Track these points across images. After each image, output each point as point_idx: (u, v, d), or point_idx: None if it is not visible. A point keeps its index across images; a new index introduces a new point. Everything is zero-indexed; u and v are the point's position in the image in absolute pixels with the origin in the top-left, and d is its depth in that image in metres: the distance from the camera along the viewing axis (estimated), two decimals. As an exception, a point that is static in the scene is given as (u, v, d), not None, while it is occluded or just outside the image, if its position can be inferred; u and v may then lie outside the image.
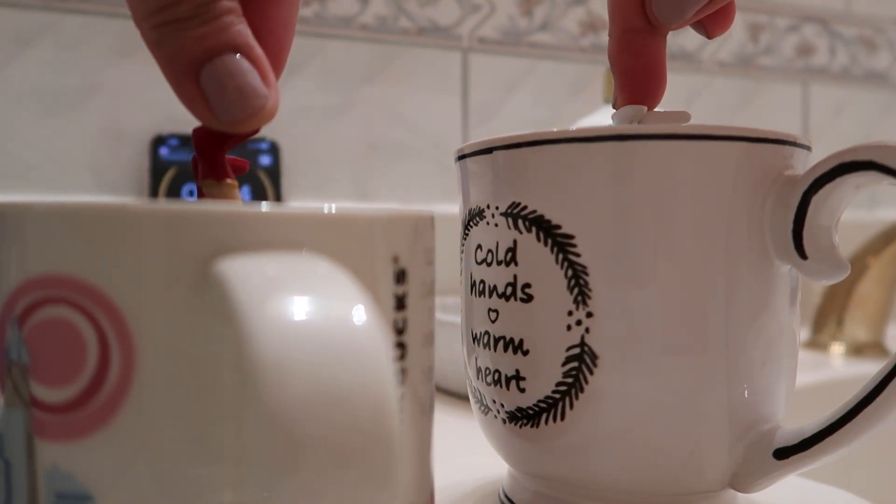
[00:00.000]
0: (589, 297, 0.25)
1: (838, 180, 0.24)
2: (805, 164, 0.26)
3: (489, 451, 0.30)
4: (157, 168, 0.71)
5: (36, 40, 0.70)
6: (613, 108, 0.29)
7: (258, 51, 0.21)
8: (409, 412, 0.20)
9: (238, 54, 0.20)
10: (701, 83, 0.99)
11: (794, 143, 0.25)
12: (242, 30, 0.21)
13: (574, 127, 0.31)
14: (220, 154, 0.23)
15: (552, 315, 0.25)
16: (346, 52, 0.80)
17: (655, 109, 0.29)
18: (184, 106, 0.21)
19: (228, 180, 0.23)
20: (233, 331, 0.14)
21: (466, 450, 0.38)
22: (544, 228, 0.25)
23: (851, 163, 0.23)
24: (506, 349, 0.26)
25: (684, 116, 0.27)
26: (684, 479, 0.25)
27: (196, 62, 0.20)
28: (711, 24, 0.29)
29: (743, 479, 0.26)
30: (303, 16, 0.78)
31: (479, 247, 0.28)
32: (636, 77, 0.29)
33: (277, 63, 0.25)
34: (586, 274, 0.25)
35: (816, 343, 0.75)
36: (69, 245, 0.16)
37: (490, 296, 0.27)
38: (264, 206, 0.17)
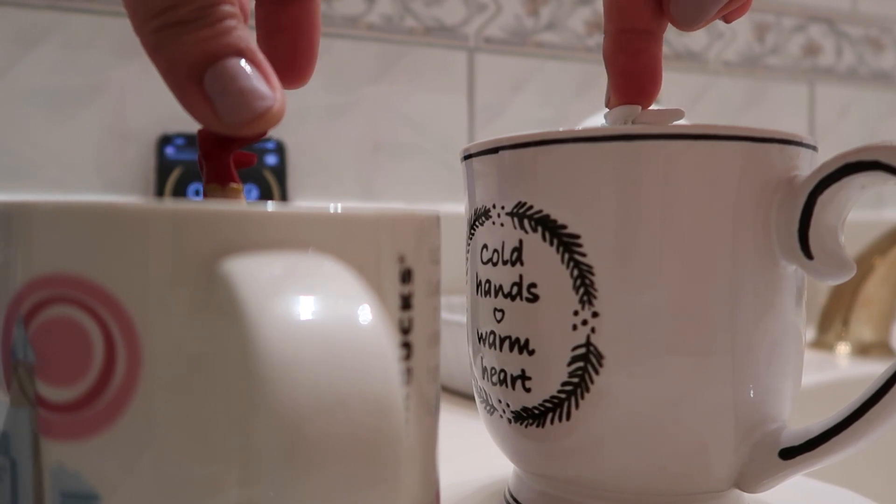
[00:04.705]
0: (594, 297, 0.24)
1: (844, 180, 0.24)
2: (811, 164, 0.26)
3: (495, 450, 0.30)
4: (163, 167, 0.71)
5: (42, 40, 0.70)
6: (607, 106, 0.29)
7: (261, 55, 0.21)
8: (415, 412, 0.20)
9: (241, 58, 0.20)
10: (707, 83, 0.98)
11: (799, 143, 0.25)
12: (244, 34, 0.21)
13: (580, 127, 0.30)
14: (224, 158, 0.23)
15: (558, 315, 0.25)
16: (353, 51, 0.81)
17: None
18: (186, 110, 0.21)
19: (233, 184, 0.23)
20: (239, 330, 0.14)
21: (472, 449, 0.38)
22: (550, 228, 0.25)
23: (857, 163, 0.23)
24: (511, 349, 0.26)
25: (678, 114, 0.27)
26: (690, 478, 0.25)
27: (200, 65, 0.20)
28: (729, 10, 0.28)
29: (749, 479, 0.26)
30: (308, 15, 0.78)
31: (485, 246, 0.28)
32: (633, 78, 0.28)
33: (311, 58, 0.28)
34: (592, 274, 0.24)
35: (822, 343, 0.75)
36: (75, 244, 0.16)
37: (496, 295, 0.27)
38: (270, 206, 0.17)
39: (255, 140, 0.22)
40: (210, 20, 0.20)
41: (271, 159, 0.74)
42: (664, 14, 0.28)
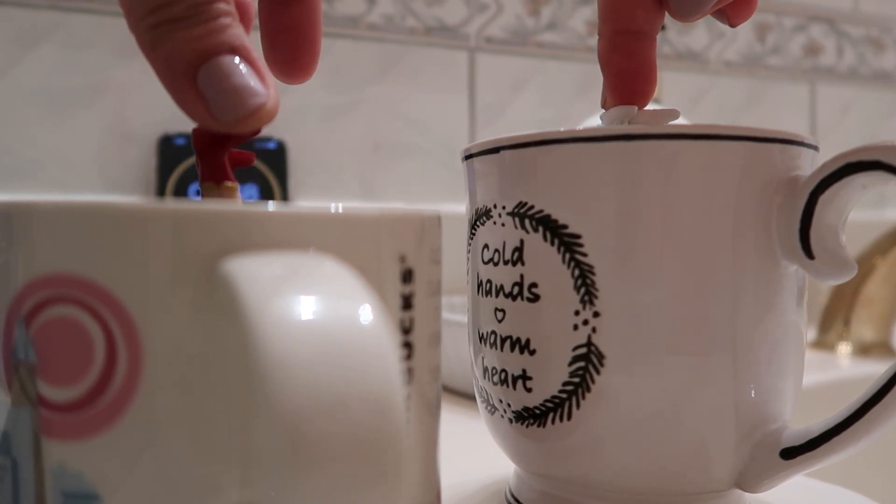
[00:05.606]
0: (595, 297, 0.24)
1: (845, 180, 0.24)
2: (812, 163, 0.26)
3: (496, 450, 0.30)
4: (164, 167, 0.71)
5: (43, 39, 0.70)
6: (603, 107, 0.29)
7: (255, 53, 0.21)
8: (416, 412, 0.20)
9: (235, 56, 0.20)
10: (708, 83, 0.98)
11: (801, 143, 0.25)
12: (238, 32, 0.21)
13: (581, 126, 0.30)
14: (219, 156, 0.23)
15: (559, 315, 0.25)
16: (354, 51, 0.81)
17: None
18: (180, 107, 0.21)
19: (228, 183, 0.23)
20: (239, 330, 0.14)
21: (473, 449, 0.38)
22: (551, 228, 0.25)
23: (858, 163, 0.23)
24: (512, 349, 0.26)
25: (674, 114, 0.27)
26: (691, 478, 0.25)
27: (193, 62, 0.20)
28: (734, 11, 0.28)
29: (749, 479, 0.26)
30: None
31: (486, 246, 0.28)
32: (629, 78, 0.29)
33: (314, 56, 0.29)
34: (593, 273, 0.24)
35: (823, 343, 0.75)
36: (76, 244, 0.16)
37: (497, 295, 0.27)
38: (271, 206, 0.17)
39: (250, 137, 0.22)
40: (204, 18, 0.20)
41: (272, 159, 0.74)
42: (662, 7, 0.28)
